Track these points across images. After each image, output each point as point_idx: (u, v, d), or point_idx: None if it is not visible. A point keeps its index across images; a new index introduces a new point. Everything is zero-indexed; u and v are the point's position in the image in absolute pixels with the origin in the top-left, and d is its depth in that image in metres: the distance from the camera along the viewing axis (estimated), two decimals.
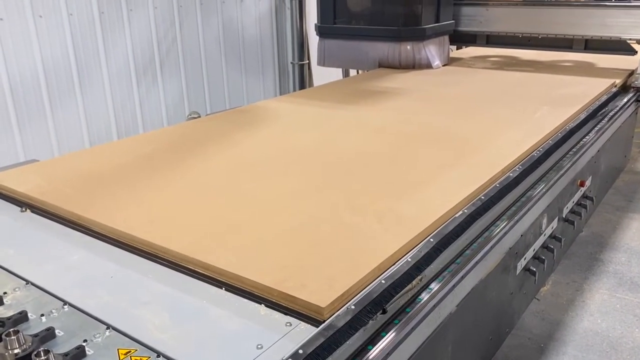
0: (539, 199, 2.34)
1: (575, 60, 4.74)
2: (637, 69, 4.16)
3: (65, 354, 1.22)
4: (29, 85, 4.11)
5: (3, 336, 1.23)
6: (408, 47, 4.49)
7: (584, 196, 3.18)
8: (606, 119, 3.36)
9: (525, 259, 2.40)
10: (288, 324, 1.36)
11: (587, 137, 3.03)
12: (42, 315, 1.39)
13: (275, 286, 1.45)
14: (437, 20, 4.65)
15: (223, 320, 1.39)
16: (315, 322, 1.36)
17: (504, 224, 2.06)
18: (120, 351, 1.26)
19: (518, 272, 2.37)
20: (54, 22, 4.16)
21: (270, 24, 6.03)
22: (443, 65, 4.70)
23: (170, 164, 2.43)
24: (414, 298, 1.60)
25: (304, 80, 6.19)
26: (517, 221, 2.15)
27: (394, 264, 1.61)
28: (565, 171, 2.63)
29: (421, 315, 1.55)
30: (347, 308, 1.40)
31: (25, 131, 4.13)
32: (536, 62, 4.78)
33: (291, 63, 6.20)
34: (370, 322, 1.43)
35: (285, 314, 1.40)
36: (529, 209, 2.24)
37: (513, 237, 2.17)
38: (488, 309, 2.17)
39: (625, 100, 3.79)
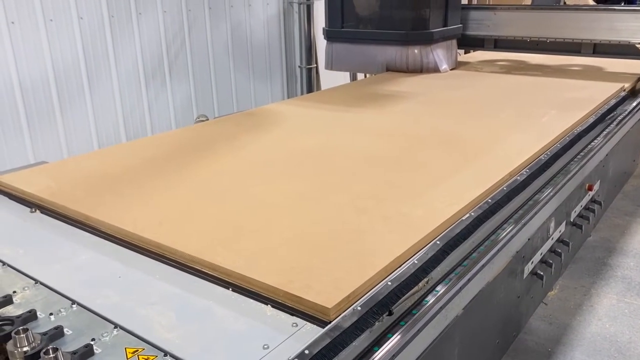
0: (546, 202, 2.33)
1: (583, 64, 4.72)
2: None
3: (74, 352, 1.23)
4: (39, 88, 4.16)
5: (13, 334, 1.24)
6: (416, 50, 4.49)
7: (592, 200, 3.17)
8: (614, 123, 3.34)
9: (532, 262, 2.39)
10: (294, 325, 1.36)
11: (595, 141, 3.02)
12: (51, 314, 1.41)
13: (281, 287, 1.45)
14: (445, 24, 4.66)
15: (229, 321, 1.39)
16: (321, 323, 1.36)
17: (511, 228, 2.05)
18: (127, 350, 1.27)
19: (525, 275, 2.36)
20: (64, 25, 4.21)
21: (278, 28, 6.06)
22: (451, 69, 4.70)
23: (178, 166, 2.45)
24: (421, 300, 1.60)
25: (311, 84, 6.22)
26: (524, 225, 2.14)
27: (401, 265, 1.61)
28: (573, 175, 2.62)
29: (427, 317, 1.55)
30: (354, 309, 1.40)
31: (35, 133, 4.18)
32: (544, 66, 4.77)
33: (299, 67, 6.23)
34: (377, 323, 1.43)
35: (292, 314, 1.41)
36: (536, 213, 2.23)
37: (520, 241, 2.17)
38: (495, 313, 2.16)
39: (634, 104, 3.77)
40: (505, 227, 2.04)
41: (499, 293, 2.13)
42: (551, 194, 2.39)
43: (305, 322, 1.38)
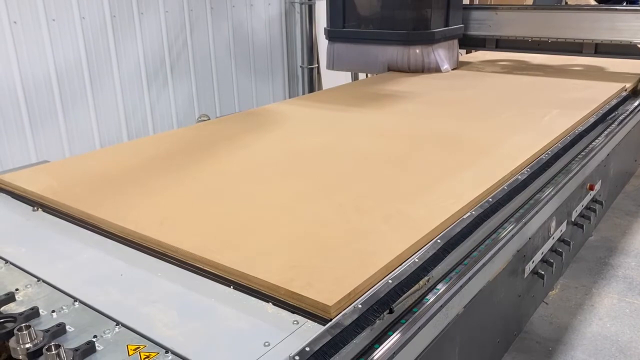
0: (547, 202, 2.34)
1: (585, 64, 4.72)
2: None
3: (76, 349, 1.24)
4: (42, 87, 4.17)
5: (15, 331, 1.25)
6: (417, 50, 4.50)
7: (594, 200, 3.17)
8: (616, 123, 3.35)
9: (533, 262, 2.40)
10: (295, 322, 1.37)
11: (596, 140, 3.02)
12: (53, 311, 1.42)
13: (282, 285, 1.46)
14: (447, 24, 4.66)
15: (231, 318, 1.40)
16: (322, 321, 1.37)
17: (512, 227, 2.05)
18: (129, 347, 1.28)
19: (526, 275, 2.36)
20: (66, 25, 4.22)
21: (279, 28, 6.07)
22: (452, 69, 4.70)
23: (179, 165, 2.46)
24: (421, 298, 1.60)
25: (313, 84, 6.23)
26: (525, 224, 2.14)
27: (401, 264, 1.61)
28: (574, 174, 2.62)
29: (428, 315, 1.56)
30: (354, 307, 1.41)
31: (38, 133, 4.19)
32: (546, 66, 4.77)
33: (300, 66, 6.24)
34: (377, 321, 1.44)
35: (293, 312, 1.41)
36: (536, 212, 2.24)
37: (521, 240, 2.17)
38: (496, 312, 2.17)
39: (635, 104, 3.78)
40: (506, 226, 2.04)
41: (500, 292, 2.13)
42: (552, 193, 2.39)
43: (306, 319, 1.38)
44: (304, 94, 6.15)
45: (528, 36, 4.77)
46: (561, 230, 2.68)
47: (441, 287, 1.65)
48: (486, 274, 1.89)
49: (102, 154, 3.05)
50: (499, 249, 1.95)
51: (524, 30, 4.79)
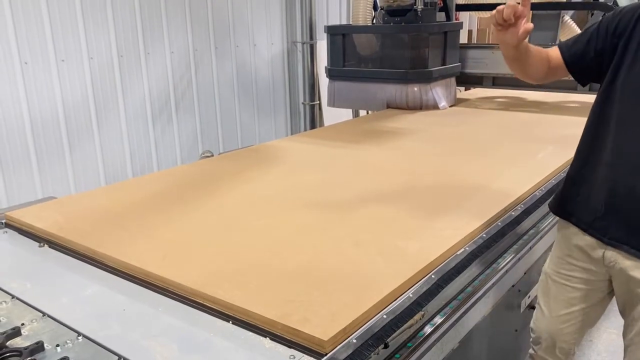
0: (542, 237, 2.39)
1: (580, 101, 4.81)
2: None
3: None
4: (49, 125, 4.27)
5: None
6: (415, 88, 4.61)
7: None
8: None
9: (529, 296, 2.43)
10: (292, 357, 1.41)
11: None
12: (58, 345, 1.46)
13: (279, 320, 1.50)
14: (444, 63, 4.79)
15: (229, 353, 1.44)
16: (317, 355, 1.40)
17: (506, 262, 2.10)
18: None
19: (522, 309, 2.39)
20: (75, 65, 4.36)
21: (282, 67, 6.23)
22: (450, 106, 4.81)
23: (182, 201, 2.52)
24: (416, 333, 1.64)
25: (314, 120, 6.34)
26: (520, 259, 2.19)
27: (396, 299, 1.65)
28: None
29: (422, 349, 1.59)
30: (349, 341, 1.44)
31: (44, 169, 4.27)
32: (542, 103, 4.87)
33: (302, 103, 6.37)
34: (372, 355, 1.47)
35: (289, 346, 1.45)
36: (531, 247, 2.29)
37: (516, 275, 2.21)
38: (492, 346, 2.19)
39: None
40: (500, 261, 2.09)
41: (496, 327, 2.16)
42: (547, 228, 2.44)
43: (302, 354, 1.42)
44: (305, 130, 6.27)
45: None
46: None
47: (436, 322, 1.68)
48: (481, 308, 1.92)
49: (107, 190, 3.12)
50: (493, 284, 1.99)
51: None
